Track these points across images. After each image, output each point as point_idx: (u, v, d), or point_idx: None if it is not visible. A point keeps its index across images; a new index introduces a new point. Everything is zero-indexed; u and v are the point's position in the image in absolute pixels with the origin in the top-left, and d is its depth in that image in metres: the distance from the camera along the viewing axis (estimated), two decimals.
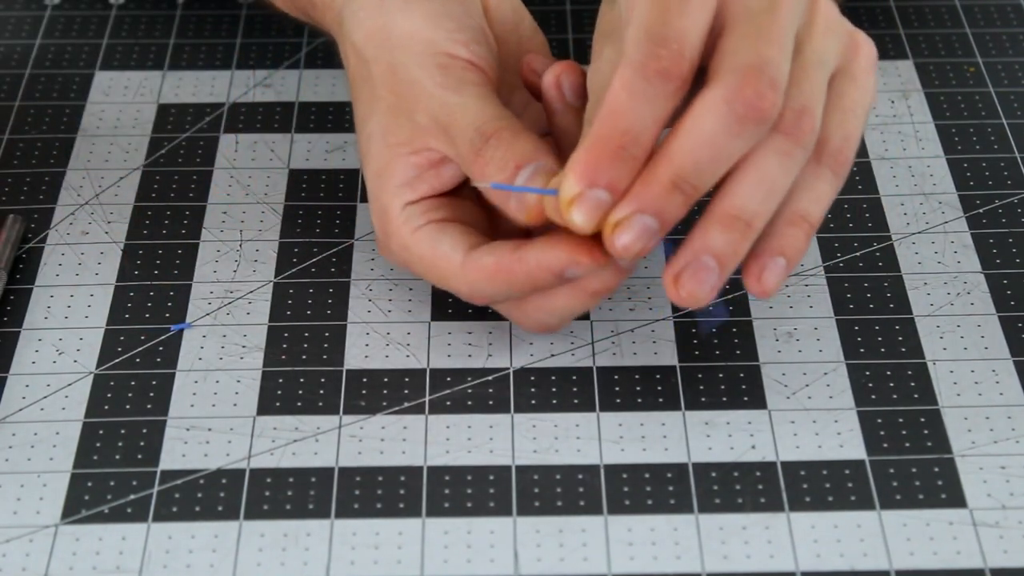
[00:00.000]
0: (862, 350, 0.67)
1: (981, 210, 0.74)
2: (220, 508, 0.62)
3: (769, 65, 0.57)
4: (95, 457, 0.63)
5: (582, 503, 0.62)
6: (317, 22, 0.71)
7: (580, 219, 0.58)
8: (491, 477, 0.63)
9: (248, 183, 0.76)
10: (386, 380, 0.66)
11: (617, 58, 0.58)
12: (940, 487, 0.62)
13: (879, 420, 0.65)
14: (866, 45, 0.63)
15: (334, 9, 0.68)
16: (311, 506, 0.62)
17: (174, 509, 0.62)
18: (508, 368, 0.67)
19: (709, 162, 0.58)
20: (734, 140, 0.58)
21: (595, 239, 0.59)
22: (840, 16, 0.63)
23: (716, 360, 0.67)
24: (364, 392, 0.66)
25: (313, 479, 0.63)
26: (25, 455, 0.64)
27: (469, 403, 0.65)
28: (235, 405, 0.65)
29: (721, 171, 0.58)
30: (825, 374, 0.66)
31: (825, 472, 0.63)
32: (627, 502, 0.62)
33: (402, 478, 0.63)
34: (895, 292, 0.70)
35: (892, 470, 0.63)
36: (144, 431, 0.64)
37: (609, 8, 0.62)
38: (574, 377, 0.66)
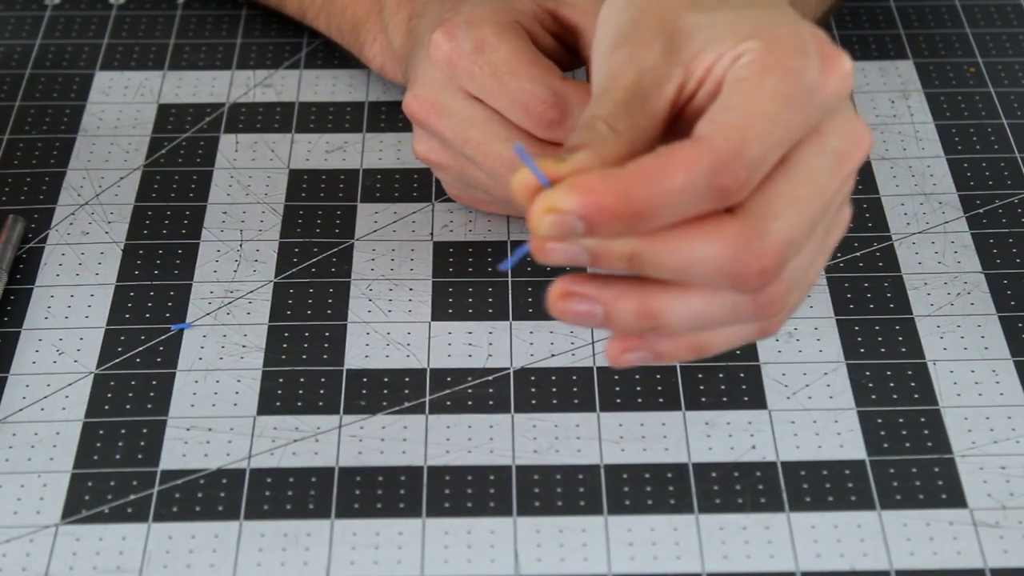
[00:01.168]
0: (862, 350, 0.67)
1: (981, 210, 0.74)
2: (220, 508, 0.62)
3: (790, 244, 0.55)
4: (95, 457, 0.63)
5: (582, 503, 0.62)
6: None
7: (546, 230, 0.53)
8: (491, 477, 0.63)
9: (248, 183, 0.76)
10: (386, 380, 0.66)
11: (665, 72, 0.56)
12: (940, 487, 0.62)
13: (879, 420, 0.65)
14: (847, 212, 0.60)
15: None
16: (311, 506, 0.62)
17: (174, 509, 0.62)
18: (508, 368, 0.67)
19: (671, 211, 0.55)
20: (721, 297, 0.56)
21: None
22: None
23: (716, 360, 0.67)
24: (364, 392, 0.66)
25: (313, 479, 0.63)
26: (25, 455, 0.64)
27: (469, 403, 0.65)
28: (235, 405, 0.65)
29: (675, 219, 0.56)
30: (825, 374, 0.66)
31: (825, 472, 0.63)
32: (627, 502, 0.62)
33: (402, 478, 0.63)
34: (895, 292, 0.70)
35: (892, 470, 0.63)
36: (144, 431, 0.64)
37: (680, 6, 0.58)
38: (574, 377, 0.66)
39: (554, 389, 0.66)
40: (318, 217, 0.74)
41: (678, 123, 0.56)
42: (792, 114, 0.54)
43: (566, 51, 0.70)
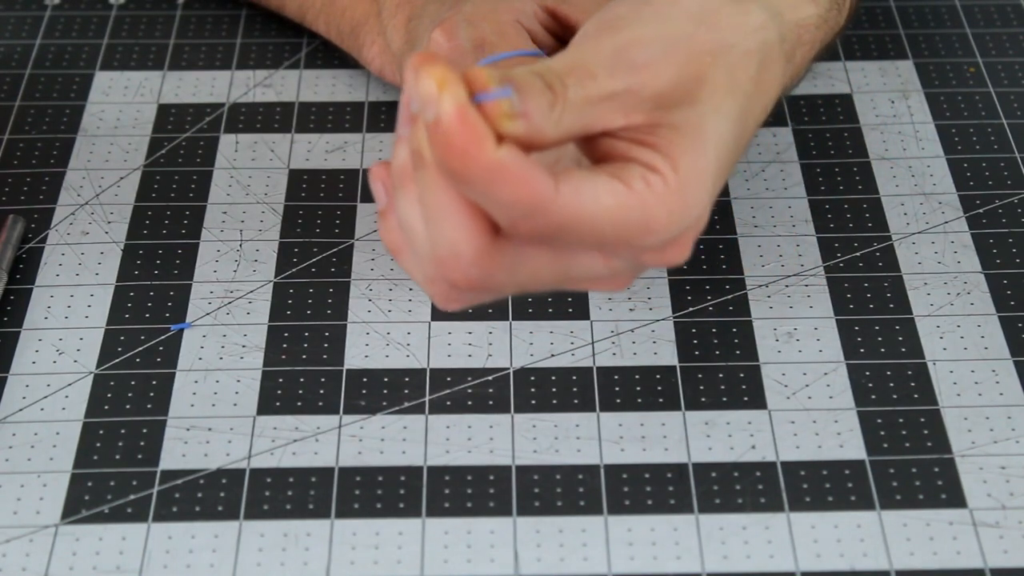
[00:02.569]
0: (862, 350, 0.67)
1: (981, 210, 0.74)
2: (220, 508, 0.62)
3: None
4: (95, 457, 0.63)
5: (582, 503, 0.62)
6: None
7: (424, 87, 0.52)
8: (491, 477, 0.63)
9: (248, 183, 0.76)
10: (386, 380, 0.66)
11: (639, 61, 0.56)
12: (940, 487, 0.62)
13: (879, 420, 0.65)
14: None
15: None
16: (311, 506, 0.62)
17: (174, 509, 0.62)
18: (508, 368, 0.67)
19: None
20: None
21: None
22: None
23: (716, 360, 0.67)
24: (364, 392, 0.66)
25: (313, 479, 0.63)
26: (25, 455, 0.64)
27: (469, 403, 0.65)
28: (235, 405, 0.65)
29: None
30: (825, 374, 0.66)
31: (825, 472, 0.63)
32: (627, 502, 0.62)
33: (402, 478, 0.63)
34: (895, 292, 0.70)
35: (892, 470, 0.63)
36: (144, 431, 0.64)
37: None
38: (574, 377, 0.66)
39: (554, 389, 0.66)
40: (318, 217, 0.74)
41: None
42: (613, 242, 0.56)
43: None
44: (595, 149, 0.57)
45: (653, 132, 0.56)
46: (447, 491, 0.62)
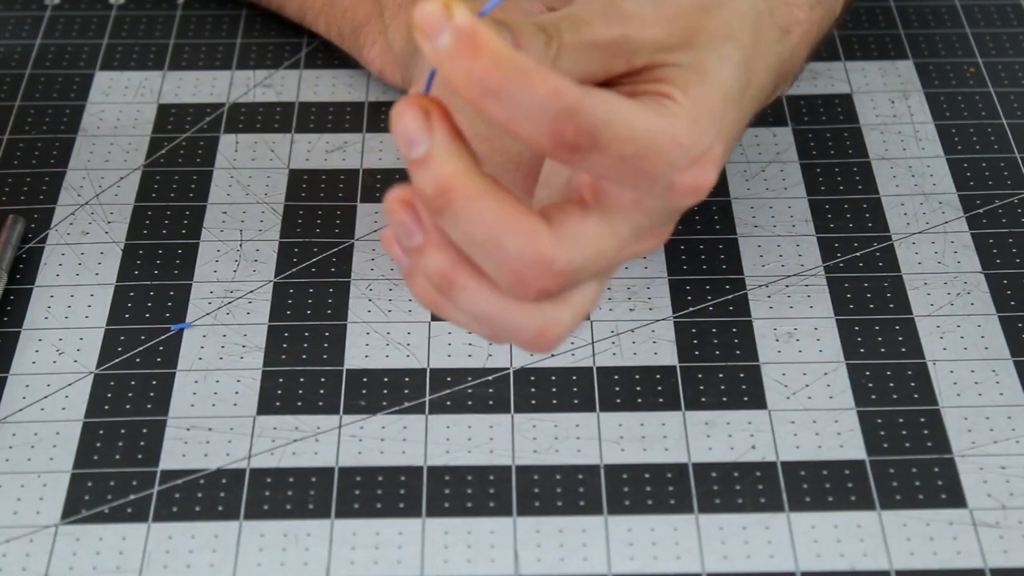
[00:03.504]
0: (862, 350, 0.67)
1: (981, 210, 0.74)
2: (220, 508, 0.62)
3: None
4: (95, 457, 0.63)
5: (582, 503, 0.62)
6: None
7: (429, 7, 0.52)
8: (491, 477, 0.63)
9: (248, 183, 0.76)
10: (386, 380, 0.66)
11: (637, 13, 0.56)
12: (940, 487, 0.62)
13: (879, 420, 0.65)
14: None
15: None
16: (311, 506, 0.62)
17: (174, 509, 0.62)
18: (508, 368, 0.67)
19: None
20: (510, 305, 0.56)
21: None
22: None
23: (716, 360, 0.67)
24: (364, 392, 0.66)
25: (313, 479, 0.63)
26: (25, 455, 0.64)
27: (469, 403, 0.65)
28: (235, 405, 0.65)
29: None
30: (825, 374, 0.66)
31: (825, 472, 0.63)
32: (627, 502, 0.62)
33: (402, 478, 0.63)
34: (895, 292, 0.70)
35: (892, 470, 0.63)
36: (144, 431, 0.64)
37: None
38: (574, 377, 0.66)
39: (554, 389, 0.66)
40: (318, 217, 0.74)
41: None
42: (647, 162, 0.55)
43: None
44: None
45: (658, 71, 0.56)
46: (447, 491, 0.62)
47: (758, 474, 0.63)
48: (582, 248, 0.56)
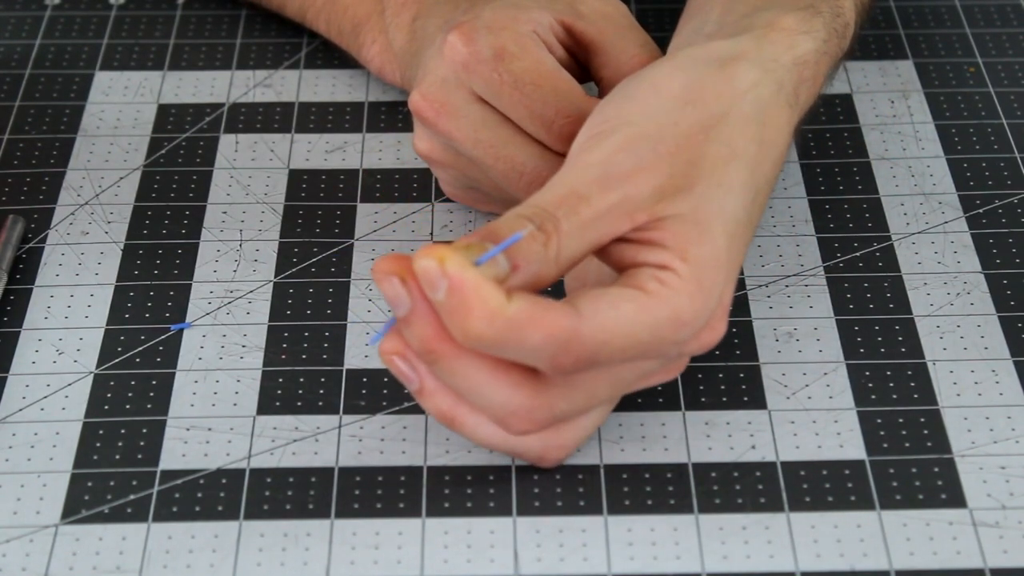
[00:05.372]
0: (862, 350, 0.67)
1: (981, 210, 0.74)
2: (220, 508, 0.62)
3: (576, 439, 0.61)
4: (95, 457, 0.63)
5: (582, 503, 0.62)
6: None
7: (419, 266, 0.55)
8: (491, 477, 0.63)
9: (248, 183, 0.76)
10: (386, 380, 0.66)
11: (629, 191, 0.58)
12: (940, 487, 0.62)
13: (879, 420, 0.65)
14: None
15: None
16: (311, 506, 0.62)
17: (174, 509, 0.62)
18: None
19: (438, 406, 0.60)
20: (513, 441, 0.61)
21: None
22: None
23: (716, 360, 0.67)
24: (364, 392, 0.66)
25: (313, 479, 0.63)
26: (25, 455, 0.64)
27: None
28: (235, 405, 0.65)
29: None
30: (825, 374, 0.66)
31: (825, 472, 0.63)
32: (627, 502, 0.62)
33: (402, 478, 0.63)
34: (895, 292, 0.70)
35: (892, 470, 0.63)
36: (144, 431, 0.64)
37: (650, 97, 0.60)
38: None
39: None
40: (318, 217, 0.74)
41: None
42: (652, 348, 0.57)
43: (577, 66, 0.70)
44: (608, 257, 0.59)
45: (658, 227, 0.58)
46: (447, 491, 0.62)
47: (758, 474, 0.63)
48: (571, 397, 0.59)
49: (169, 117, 0.79)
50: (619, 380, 0.59)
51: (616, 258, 0.58)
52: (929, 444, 0.64)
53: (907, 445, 0.64)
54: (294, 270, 0.71)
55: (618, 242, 0.58)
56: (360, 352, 0.67)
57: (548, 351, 0.56)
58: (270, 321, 0.69)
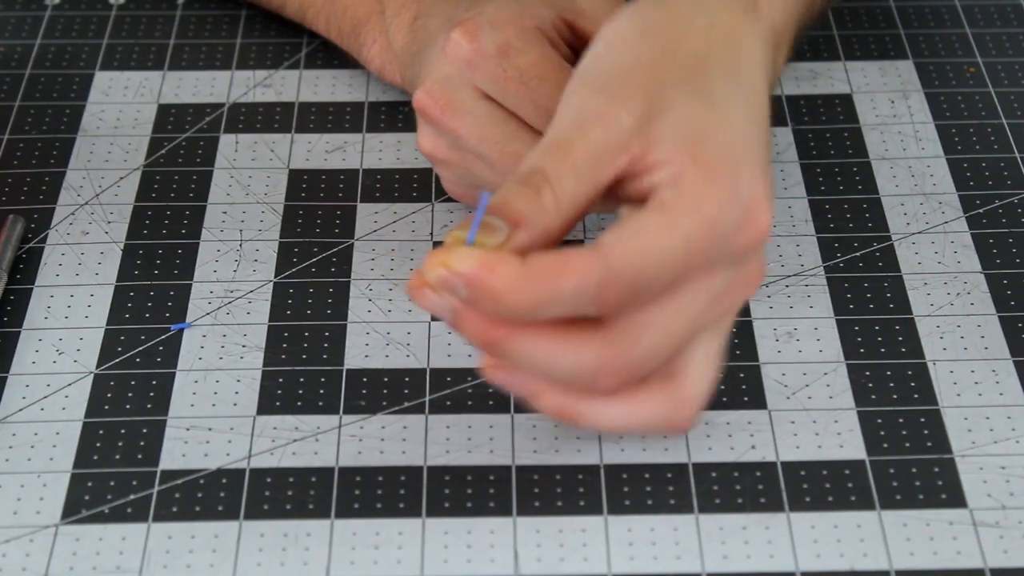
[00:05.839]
0: (862, 350, 0.67)
1: (981, 210, 0.74)
2: (220, 508, 0.62)
3: (654, 361, 0.58)
4: (95, 457, 0.63)
5: (582, 503, 0.62)
6: None
7: (430, 277, 0.55)
8: (491, 477, 0.63)
9: (248, 183, 0.76)
10: (386, 380, 0.66)
11: (627, 140, 0.57)
12: (940, 487, 0.62)
13: (879, 420, 0.65)
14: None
15: None
16: (311, 506, 0.62)
17: (174, 509, 0.62)
18: None
19: (531, 367, 0.58)
20: (573, 378, 0.58)
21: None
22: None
23: None
24: (364, 392, 0.66)
25: (313, 479, 0.63)
26: (25, 455, 0.64)
27: (469, 403, 0.65)
28: (235, 405, 0.65)
29: (527, 372, 0.59)
30: (825, 374, 0.66)
31: (825, 472, 0.63)
32: (627, 502, 0.62)
33: (402, 478, 0.63)
34: (895, 292, 0.70)
35: (892, 470, 0.63)
36: (144, 431, 0.64)
37: (680, 84, 0.59)
38: None
39: None
40: (318, 217, 0.74)
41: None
42: (694, 258, 0.56)
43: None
44: (629, 199, 0.58)
45: (655, 149, 0.57)
46: (447, 491, 0.62)
47: (758, 474, 0.63)
48: (644, 337, 0.57)
49: (169, 117, 0.79)
50: (688, 308, 0.58)
51: (635, 195, 0.58)
52: (929, 444, 0.64)
53: (907, 445, 0.64)
54: (294, 270, 0.71)
55: (629, 180, 0.57)
56: (360, 352, 0.67)
57: (588, 293, 0.55)
58: (270, 321, 0.69)
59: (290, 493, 0.62)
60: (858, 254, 0.72)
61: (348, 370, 0.67)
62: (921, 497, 0.62)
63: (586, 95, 0.58)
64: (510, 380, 0.59)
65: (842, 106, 0.80)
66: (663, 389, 0.59)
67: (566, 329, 0.57)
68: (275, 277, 0.71)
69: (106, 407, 0.65)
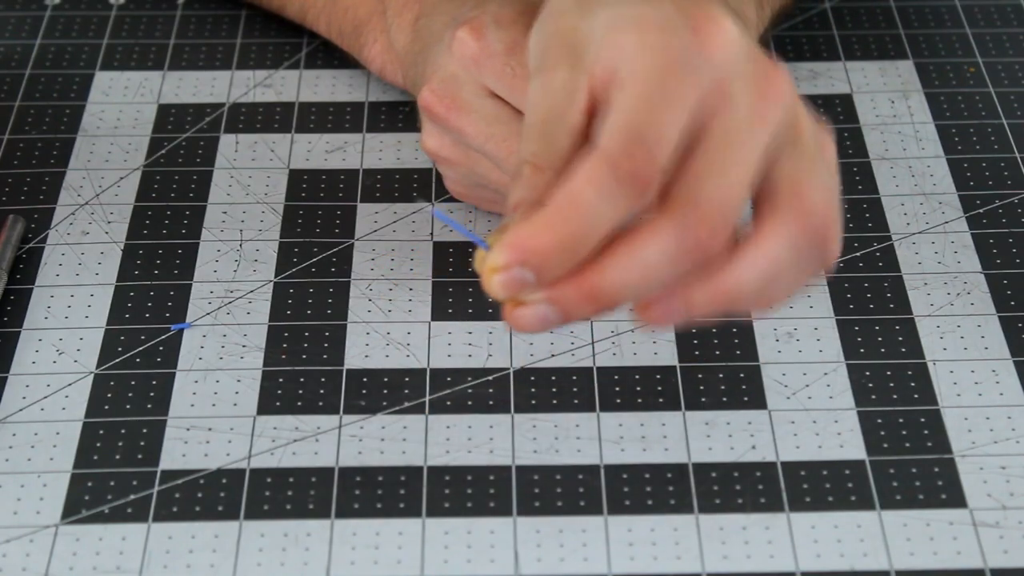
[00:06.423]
0: (862, 350, 0.67)
1: (981, 210, 0.74)
2: (220, 508, 0.62)
3: (728, 205, 0.55)
4: (95, 457, 0.63)
5: (582, 503, 0.62)
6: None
7: (498, 290, 0.55)
8: (491, 477, 0.63)
9: (248, 183, 0.76)
10: (386, 380, 0.66)
11: (572, 85, 0.56)
12: (940, 487, 0.62)
13: (879, 420, 0.65)
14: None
15: None
16: (311, 506, 0.62)
17: (174, 509, 0.62)
18: (508, 368, 0.67)
19: (638, 287, 0.55)
20: (673, 270, 0.55)
21: None
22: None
23: (716, 360, 0.67)
24: (364, 392, 0.66)
25: (313, 479, 0.63)
26: (25, 455, 0.64)
27: (469, 403, 0.65)
28: (235, 405, 0.65)
29: (645, 294, 0.56)
30: (825, 374, 0.66)
31: (825, 472, 0.63)
32: (627, 502, 0.62)
33: (402, 478, 0.63)
34: (895, 292, 0.70)
35: (892, 470, 0.63)
36: (144, 431, 0.64)
37: (574, 17, 0.58)
38: (574, 377, 0.66)
39: (554, 389, 0.66)
40: (318, 217, 0.74)
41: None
42: (672, 87, 0.54)
43: None
44: None
45: (604, 62, 0.56)
46: (447, 491, 0.62)
47: (758, 474, 0.63)
48: (712, 184, 0.55)
49: (169, 117, 0.79)
50: (722, 139, 0.55)
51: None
52: (929, 444, 0.64)
53: (907, 445, 0.64)
54: (294, 270, 0.71)
55: (604, 105, 0.56)
56: (360, 352, 0.67)
57: (607, 184, 0.54)
58: (270, 321, 0.69)
59: (290, 493, 0.62)
60: (858, 254, 0.72)
61: (348, 370, 0.67)
62: (921, 497, 0.62)
63: (529, 87, 0.58)
64: (658, 310, 0.56)
65: (842, 106, 0.80)
66: (780, 212, 0.56)
67: (634, 232, 0.55)
68: (275, 277, 0.71)
69: (106, 407, 0.65)
